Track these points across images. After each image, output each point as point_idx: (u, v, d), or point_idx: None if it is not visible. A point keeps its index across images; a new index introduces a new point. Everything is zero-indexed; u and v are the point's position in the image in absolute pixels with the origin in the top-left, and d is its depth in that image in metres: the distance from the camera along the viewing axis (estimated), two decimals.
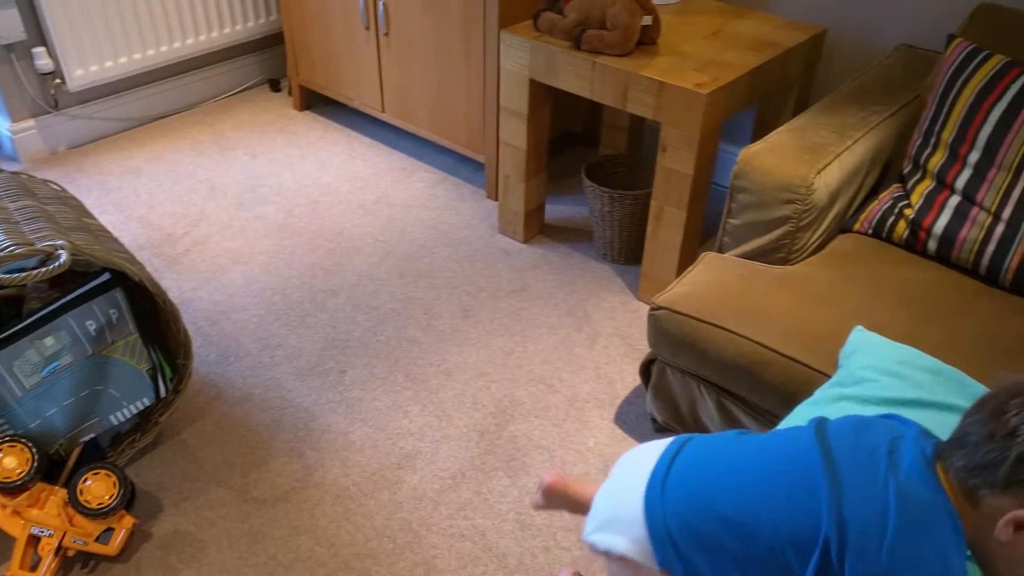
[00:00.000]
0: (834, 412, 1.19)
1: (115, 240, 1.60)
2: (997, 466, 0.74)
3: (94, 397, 1.52)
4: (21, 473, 1.35)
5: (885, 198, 1.63)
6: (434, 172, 2.53)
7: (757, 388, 1.42)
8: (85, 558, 1.40)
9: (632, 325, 1.95)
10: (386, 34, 2.38)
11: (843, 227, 1.67)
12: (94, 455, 1.55)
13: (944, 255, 1.54)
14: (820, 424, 0.91)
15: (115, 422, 1.54)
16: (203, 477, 1.57)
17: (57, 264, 1.33)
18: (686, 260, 1.92)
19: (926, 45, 1.96)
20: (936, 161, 1.56)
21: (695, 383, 1.55)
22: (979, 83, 1.51)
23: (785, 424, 1.21)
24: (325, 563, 1.42)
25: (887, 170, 1.74)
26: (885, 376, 1.22)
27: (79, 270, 1.58)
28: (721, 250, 1.67)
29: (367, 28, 2.42)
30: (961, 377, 1.22)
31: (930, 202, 1.55)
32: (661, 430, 1.67)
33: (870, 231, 1.63)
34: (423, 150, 2.64)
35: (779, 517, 0.83)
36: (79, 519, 1.36)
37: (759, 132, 2.15)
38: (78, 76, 2.48)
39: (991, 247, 1.47)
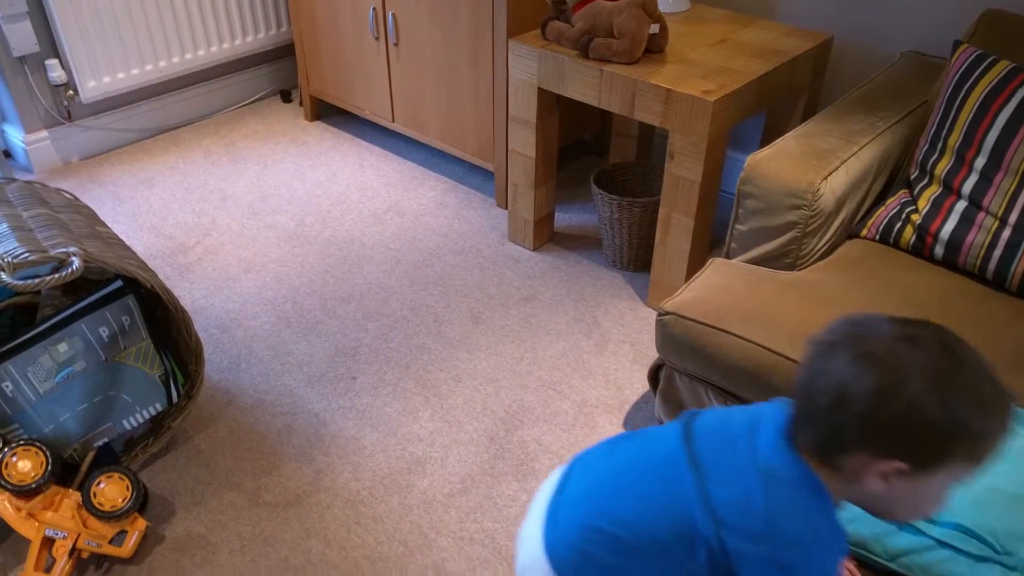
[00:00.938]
0: None
1: (127, 248, 1.62)
2: (842, 431, 0.78)
3: (107, 402, 1.54)
4: (35, 476, 1.36)
5: (892, 204, 1.64)
6: (444, 181, 2.55)
7: (764, 392, 1.43)
8: (99, 560, 1.42)
9: (641, 331, 1.95)
10: (395, 44, 2.41)
11: (850, 233, 1.68)
12: (107, 459, 1.56)
13: (951, 260, 1.54)
14: (688, 419, 0.94)
15: (128, 427, 1.56)
16: (215, 481, 1.58)
17: (70, 271, 1.35)
18: (695, 266, 1.93)
19: (932, 52, 1.97)
20: (943, 166, 1.57)
21: (703, 388, 1.56)
22: (985, 88, 1.52)
23: None
24: (336, 566, 1.43)
25: (894, 176, 1.74)
26: None
27: (91, 278, 1.60)
28: (729, 256, 1.68)
29: (377, 38, 2.45)
30: None
31: (937, 207, 1.56)
32: None
33: (877, 237, 1.63)
34: (433, 159, 2.66)
35: (659, 518, 0.87)
36: (93, 521, 1.38)
37: (767, 139, 2.16)
38: (91, 87, 2.52)
39: (997, 252, 1.48)
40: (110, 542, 1.38)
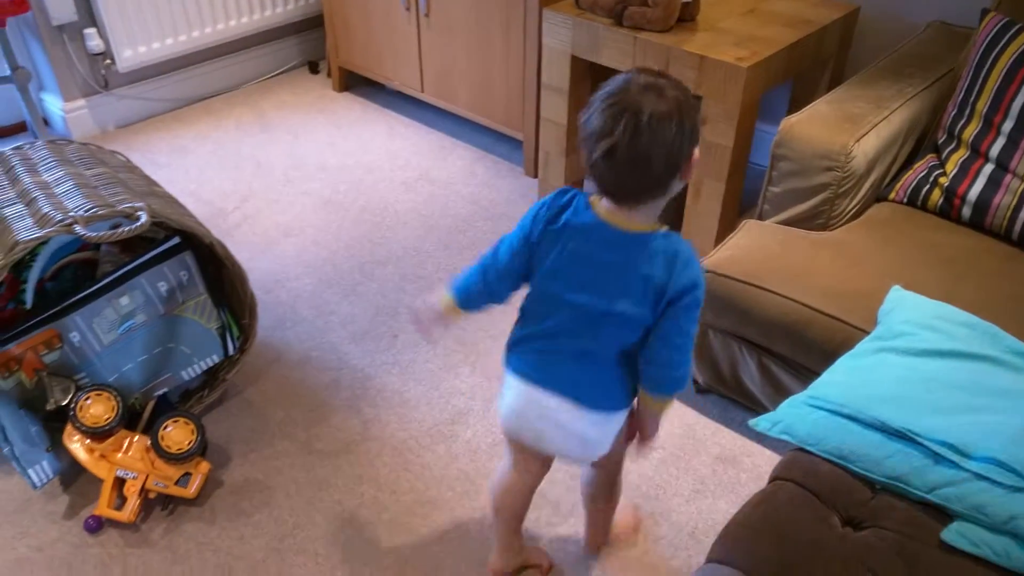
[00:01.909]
0: (875, 363, 1.26)
1: (183, 206, 1.69)
2: (657, 180, 1.00)
3: (166, 354, 1.61)
4: (108, 419, 1.44)
5: (920, 167, 1.69)
6: (472, 150, 2.60)
7: (799, 346, 1.49)
8: (165, 500, 1.49)
9: None
10: (427, 15, 2.45)
11: (879, 196, 1.74)
12: (166, 408, 1.63)
13: (978, 221, 1.60)
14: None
15: (186, 377, 1.63)
16: (268, 431, 1.66)
17: (139, 224, 1.41)
18: (724, 230, 1.99)
19: (958, 22, 2.01)
20: (970, 131, 1.62)
21: (737, 344, 1.62)
22: (1013, 55, 1.57)
23: (826, 376, 1.27)
24: (388, 508, 1.50)
25: (921, 142, 1.80)
26: (923, 330, 1.29)
27: (146, 235, 1.66)
28: (762, 217, 1.74)
29: (408, 9, 2.49)
30: (995, 330, 1.29)
31: (964, 170, 1.61)
32: (703, 392, 1.74)
33: (905, 199, 1.69)
34: (461, 129, 2.71)
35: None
36: (160, 463, 1.45)
37: (794, 109, 2.21)
38: (127, 57, 2.56)
39: None
40: (176, 483, 1.45)
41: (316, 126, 2.73)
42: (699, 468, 1.58)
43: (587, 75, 2.11)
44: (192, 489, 1.46)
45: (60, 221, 1.37)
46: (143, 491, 1.43)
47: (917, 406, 1.13)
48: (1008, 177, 1.56)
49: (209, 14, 2.70)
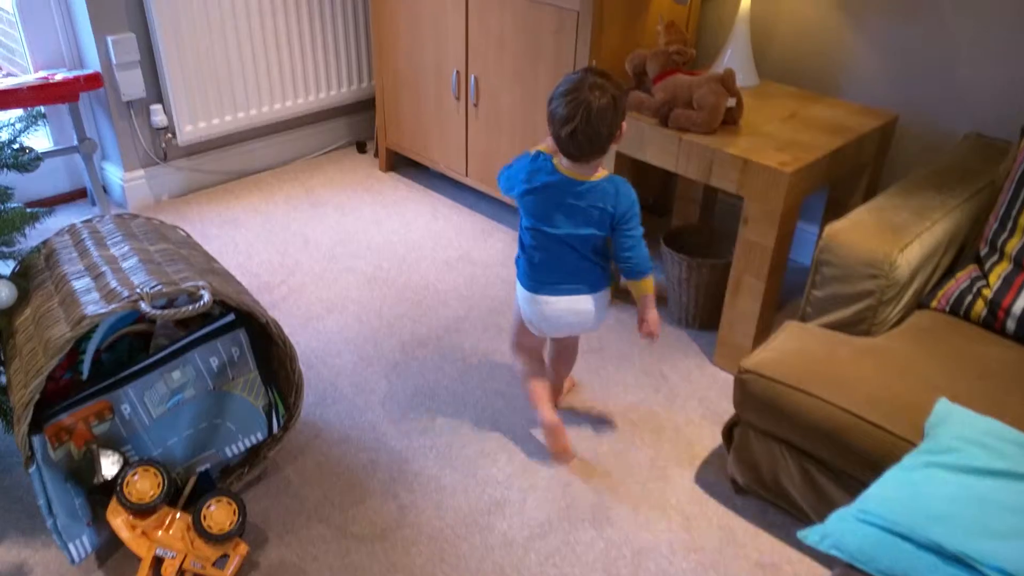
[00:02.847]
0: (926, 478, 1.25)
1: (239, 283, 1.74)
2: (602, 147, 1.54)
3: (212, 429, 1.63)
4: (153, 496, 1.45)
5: (962, 278, 1.71)
6: (512, 234, 2.66)
7: (841, 453, 1.49)
8: None
9: (709, 388, 2.02)
10: (475, 104, 2.55)
11: (920, 303, 1.75)
12: (207, 485, 1.65)
13: (1022, 334, 1.60)
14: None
15: (229, 455, 1.65)
16: (305, 512, 1.66)
17: (203, 303, 1.46)
18: (763, 328, 2.01)
19: (994, 133, 2.06)
20: (1014, 244, 1.65)
21: (778, 447, 1.62)
22: None
23: (875, 489, 1.27)
24: None
25: (961, 251, 1.82)
26: (973, 447, 1.29)
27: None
28: (804, 320, 1.75)
29: (458, 98, 2.60)
30: None
31: (1008, 283, 1.63)
32: (741, 492, 1.72)
33: (947, 309, 1.70)
34: (501, 212, 2.78)
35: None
36: (200, 543, 1.46)
37: (831, 211, 2.25)
38: (188, 132, 2.68)
39: None
40: (213, 564, 1.46)
41: (362, 204, 2.81)
42: (739, 574, 1.55)
43: (630, 171, 2.17)
44: (229, 572, 1.46)
45: (127, 297, 1.42)
46: (180, 571, 1.44)
47: (971, 528, 1.12)
48: None
49: (268, 94, 2.83)
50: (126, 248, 1.63)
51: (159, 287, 1.47)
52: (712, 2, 2.51)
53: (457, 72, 2.55)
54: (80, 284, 1.50)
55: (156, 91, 2.62)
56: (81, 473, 1.52)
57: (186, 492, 1.60)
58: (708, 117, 1.95)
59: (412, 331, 2.20)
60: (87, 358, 1.57)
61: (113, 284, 1.47)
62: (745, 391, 1.59)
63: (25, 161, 1.69)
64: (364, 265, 2.47)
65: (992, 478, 1.23)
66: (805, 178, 1.86)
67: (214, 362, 1.62)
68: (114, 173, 2.71)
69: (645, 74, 2.10)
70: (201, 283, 1.50)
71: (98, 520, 1.49)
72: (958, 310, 1.69)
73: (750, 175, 1.86)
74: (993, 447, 1.28)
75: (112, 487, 1.46)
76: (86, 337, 1.57)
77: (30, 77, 2.37)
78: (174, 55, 2.54)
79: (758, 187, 1.85)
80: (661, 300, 2.36)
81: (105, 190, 2.76)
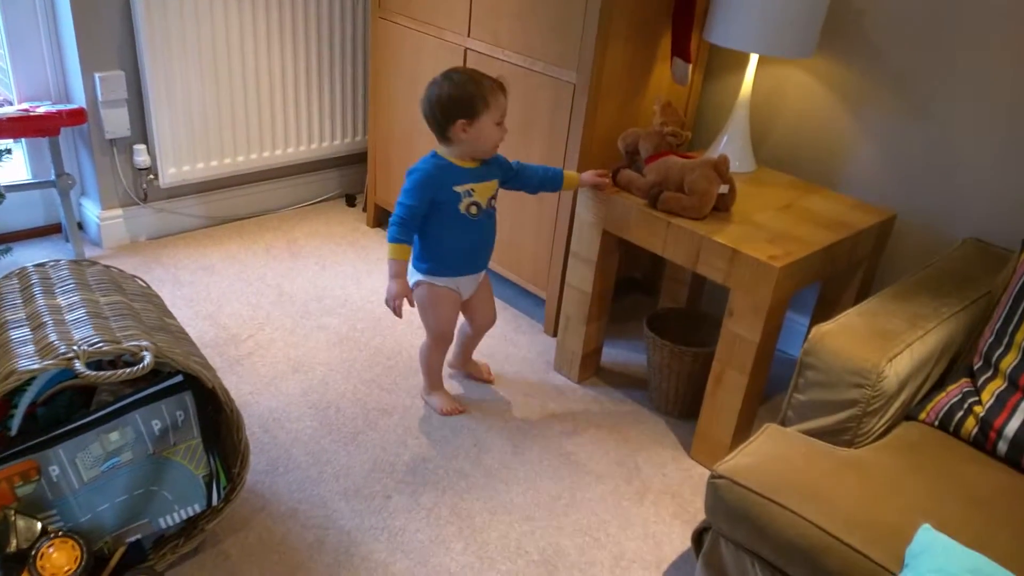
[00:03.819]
0: None
1: (192, 343, 1.65)
2: (436, 123, 1.82)
3: (147, 497, 1.52)
4: (69, 571, 1.34)
5: (953, 391, 1.62)
6: (496, 300, 2.58)
7: (815, 574, 1.38)
8: None
9: (683, 484, 1.92)
10: None
11: (908, 414, 1.66)
12: (136, 557, 1.53)
13: (1015, 459, 1.51)
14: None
15: (163, 525, 1.54)
16: None
17: (141, 366, 1.37)
18: (744, 424, 1.91)
19: (994, 239, 2.00)
20: (1009, 362, 1.57)
21: (749, 559, 1.51)
22: None
23: None
24: None
25: (954, 362, 1.74)
26: None
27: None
28: (784, 424, 1.66)
29: None
30: None
31: (1002, 402, 1.54)
32: None
33: (936, 423, 1.61)
34: None
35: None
36: None
37: (821, 306, 2.18)
38: (171, 174, 2.63)
39: None
40: None
41: (344, 259, 2.74)
42: None
43: (616, 249, 2.11)
44: None
45: (62, 354, 1.34)
46: None
47: None
48: None
49: (258, 141, 2.79)
50: (75, 298, 1.54)
51: (100, 344, 1.38)
52: (713, 84, 2.49)
53: None
54: (17, 335, 1.42)
55: (141, 131, 2.57)
56: None
57: (112, 563, 1.49)
58: (698, 202, 1.89)
59: (379, 399, 2.10)
60: (18, 413, 1.47)
61: (52, 338, 1.39)
62: (717, 496, 1.49)
63: None
64: (338, 324, 2.39)
65: None
66: (796, 273, 1.79)
67: (156, 425, 1.52)
68: (91, 210, 2.65)
69: (638, 153, 2.05)
70: (145, 343, 1.42)
71: None
72: (948, 425, 1.60)
73: (738, 266, 1.79)
74: None
75: (25, 558, 1.35)
76: (20, 390, 1.48)
77: (11, 108, 2.32)
78: (163, 96, 2.50)
79: (745, 279, 1.78)
80: (641, 384, 2.27)
81: (81, 227, 2.70)
